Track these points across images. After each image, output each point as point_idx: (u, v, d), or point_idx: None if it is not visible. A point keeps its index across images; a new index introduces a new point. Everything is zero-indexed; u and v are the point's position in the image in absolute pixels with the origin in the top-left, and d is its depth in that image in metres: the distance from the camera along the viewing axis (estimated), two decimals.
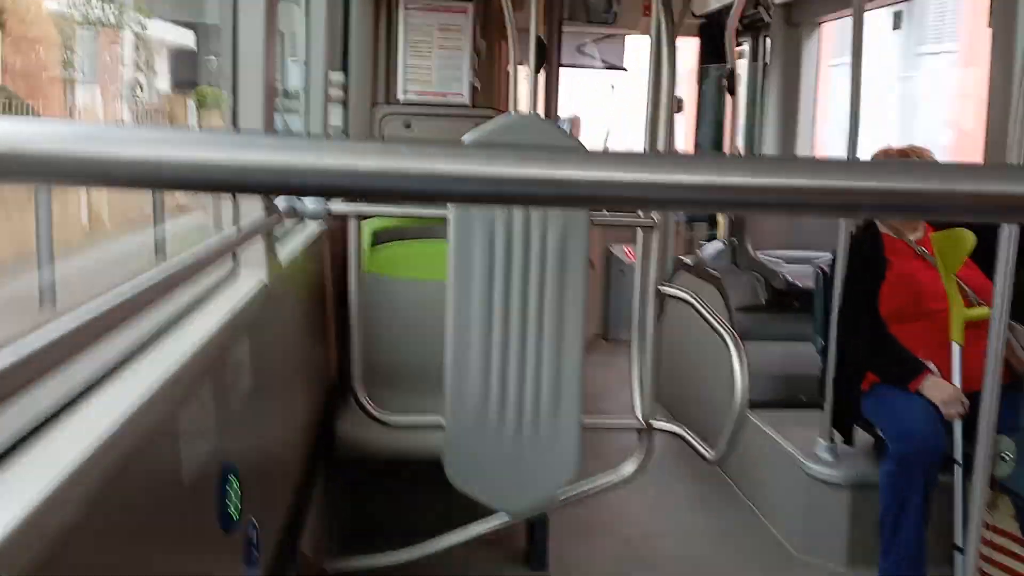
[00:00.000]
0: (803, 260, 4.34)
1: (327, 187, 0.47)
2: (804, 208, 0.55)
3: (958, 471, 2.82)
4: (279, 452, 2.11)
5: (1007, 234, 2.21)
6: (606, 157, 0.52)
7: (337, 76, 3.67)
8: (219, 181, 0.45)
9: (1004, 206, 0.53)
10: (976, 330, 2.82)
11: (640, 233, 2.70)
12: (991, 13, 3.37)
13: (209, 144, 0.43)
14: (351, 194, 0.47)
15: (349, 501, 3.25)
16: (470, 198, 0.51)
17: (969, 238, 2.91)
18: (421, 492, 3.19)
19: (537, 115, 2.97)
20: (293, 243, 2.56)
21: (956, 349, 2.94)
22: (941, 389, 2.90)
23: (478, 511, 2.55)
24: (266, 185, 0.47)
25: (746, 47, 5.77)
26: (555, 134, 2.43)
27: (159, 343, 1.36)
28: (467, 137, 2.31)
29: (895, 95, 11.12)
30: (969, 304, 2.96)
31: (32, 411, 0.99)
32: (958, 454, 2.84)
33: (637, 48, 6.97)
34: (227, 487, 1.49)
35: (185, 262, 1.23)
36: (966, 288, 2.98)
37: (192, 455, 1.30)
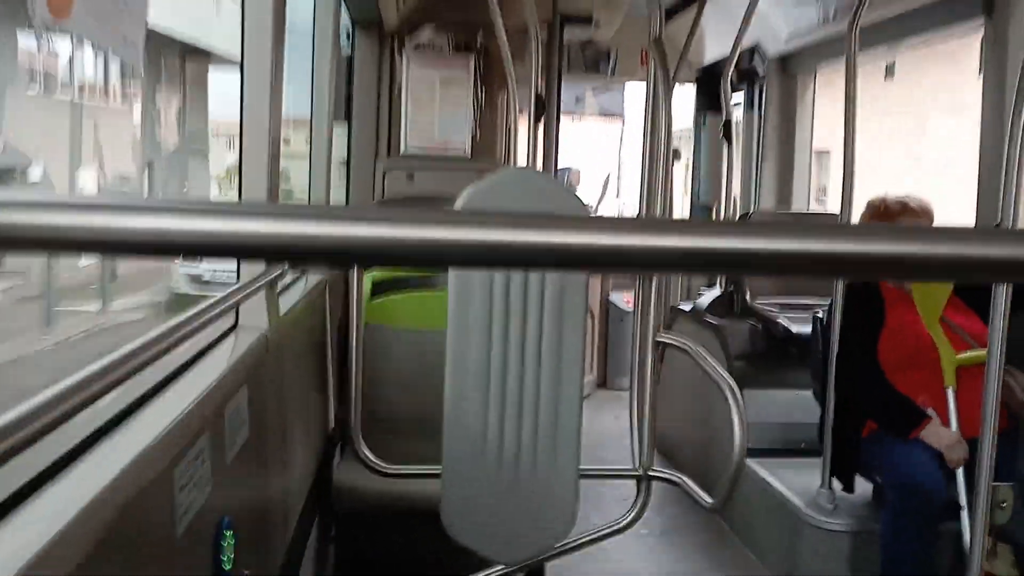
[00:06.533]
0: (801, 308, 4.36)
1: (323, 255, 0.48)
2: (791, 271, 0.56)
3: (964, 516, 2.75)
4: (275, 502, 2.11)
5: (1002, 287, 2.23)
6: (599, 223, 0.53)
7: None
8: (218, 248, 0.47)
9: (988, 269, 0.54)
10: (972, 377, 2.82)
11: (638, 281, 2.71)
12: (981, 65, 3.41)
13: (206, 215, 0.45)
14: (348, 262, 0.49)
15: (346, 551, 3.23)
16: (466, 263, 0.52)
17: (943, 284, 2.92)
18: (418, 542, 3.17)
19: (534, 170, 3.00)
20: (294, 293, 2.58)
21: (950, 393, 2.94)
22: (942, 436, 2.89)
23: (475, 561, 2.53)
24: (264, 252, 0.49)
25: (743, 96, 5.84)
26: (552, 188, 2.45)
27: (159, 396, 1.37)
28: (466, 192, 2.32)
29: None
30: (962, 348, 2.97)
31: (32, 467, 0.99)
32: (963, 499, 2.79)
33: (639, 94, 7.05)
34: (221, 539, 1.48)
35: (188, 317, 1.24)
36: (963, 334, 2.99)
37: (187, 507, 1.30)
